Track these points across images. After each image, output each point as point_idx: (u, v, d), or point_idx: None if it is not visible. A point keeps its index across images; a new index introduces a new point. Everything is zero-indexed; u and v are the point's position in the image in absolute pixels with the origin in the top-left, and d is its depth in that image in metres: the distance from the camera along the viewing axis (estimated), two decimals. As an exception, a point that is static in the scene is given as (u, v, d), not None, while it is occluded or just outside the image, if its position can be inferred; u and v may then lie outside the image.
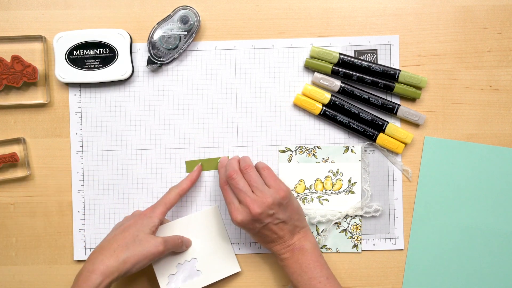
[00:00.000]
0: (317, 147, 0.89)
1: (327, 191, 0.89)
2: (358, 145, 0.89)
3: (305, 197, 0.89)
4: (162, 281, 0.85)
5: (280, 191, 0.80)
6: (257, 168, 0.84)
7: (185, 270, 0.86)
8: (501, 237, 0.88)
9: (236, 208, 0.80)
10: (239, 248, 0.89)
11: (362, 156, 0.89)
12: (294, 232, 0.82)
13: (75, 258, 0.89)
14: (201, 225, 0.88)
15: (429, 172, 0.89)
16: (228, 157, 0.89)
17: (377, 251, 0.90)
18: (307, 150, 0.89)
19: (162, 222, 0.83)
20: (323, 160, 0.89)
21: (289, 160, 0.89)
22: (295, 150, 0.89)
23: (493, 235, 0.88)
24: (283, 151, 0.89)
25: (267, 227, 0.80)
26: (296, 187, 0.89)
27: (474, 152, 0.89)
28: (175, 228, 0.86)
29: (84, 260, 0.87)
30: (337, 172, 0.89)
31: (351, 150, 0.89)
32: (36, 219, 0.89)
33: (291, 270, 0.81)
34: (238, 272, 0.88)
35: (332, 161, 0.89)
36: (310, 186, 0.89)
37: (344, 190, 0.89)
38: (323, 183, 0.89)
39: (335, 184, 0.89)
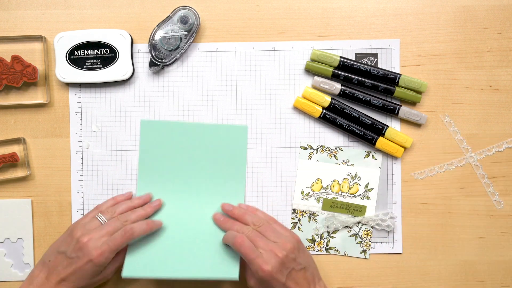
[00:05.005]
0: (339, 148, 0.89)
1: (342, 193, 0.89)
2: (379, 153, 0.89)
3: (320, 196, 0.89)
4: None
5: (294, 235, 0.80)
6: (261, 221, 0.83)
7: None
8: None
9: (264, 259, 0.76)
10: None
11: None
12: (315, 282, 0.79)
13: (74, 258, 0.89)
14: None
15: (148, 154, 0.88)
16: (220, 213, 0.86)
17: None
18: (329, 150, 0.89)
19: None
20: (343, 162, 0.89)
21: (309, 158, 0.89)
22: (317, 149, 0.89)
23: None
24: (305, 148, 0.89)
25: (291, 276, 0.77)
26: (313, 185, 0.89)
27: (189, 131, 0.88)
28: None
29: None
30: (355, 176, 0.89)
31: (372, 156, 0.89)
32: (36, 219, 0.89)
33: None
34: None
35: (352, 164, 0.89)
36: (327, 186, 0.89)
37: (360, 195, 0.89)
38: (340, 185, 0.89)
39: (351, 187, 0.89)
